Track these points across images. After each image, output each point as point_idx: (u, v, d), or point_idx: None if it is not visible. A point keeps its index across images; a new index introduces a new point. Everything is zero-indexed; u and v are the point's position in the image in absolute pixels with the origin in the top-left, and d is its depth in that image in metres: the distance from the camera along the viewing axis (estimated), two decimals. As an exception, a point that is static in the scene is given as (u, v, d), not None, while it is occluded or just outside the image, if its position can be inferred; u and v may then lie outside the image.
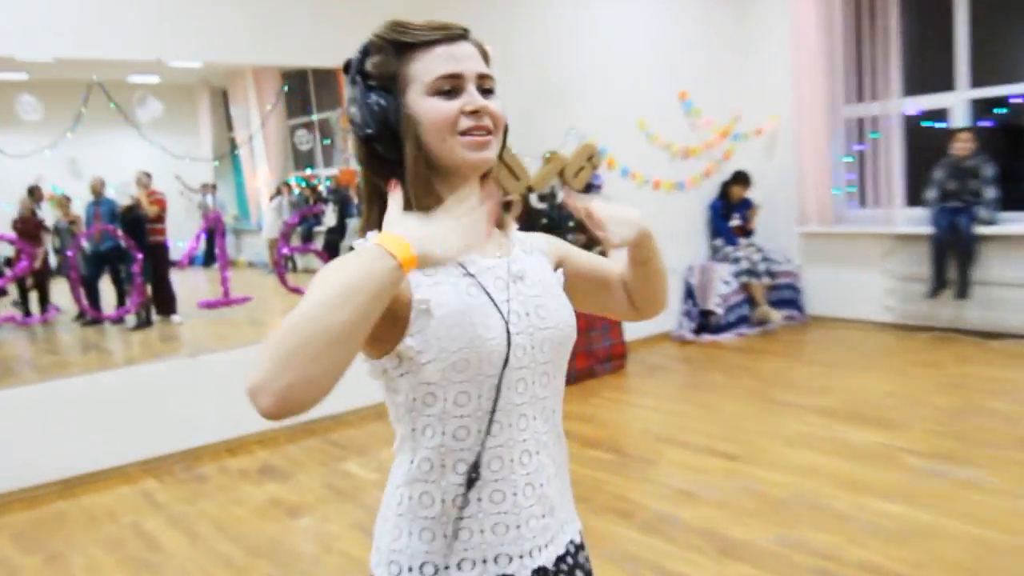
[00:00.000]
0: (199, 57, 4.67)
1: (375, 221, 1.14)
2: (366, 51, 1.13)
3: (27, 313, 4.95)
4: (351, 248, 1.04)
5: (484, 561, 1.10)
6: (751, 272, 6.69)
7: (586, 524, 3.32)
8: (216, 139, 5.78)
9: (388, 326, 1.04)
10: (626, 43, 6.36)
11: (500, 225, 1.22)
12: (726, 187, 6.96)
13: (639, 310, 1.36)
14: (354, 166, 5.63)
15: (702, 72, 6.83)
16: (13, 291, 5.01)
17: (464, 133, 1.11)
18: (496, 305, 1.10)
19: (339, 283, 0.88)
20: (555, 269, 1.27)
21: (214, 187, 5.60)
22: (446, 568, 1.10)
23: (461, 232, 0.97)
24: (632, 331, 6.28)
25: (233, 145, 5.84)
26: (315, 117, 5.74)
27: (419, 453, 1.11)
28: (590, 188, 6.15)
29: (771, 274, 6.78)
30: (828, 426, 4.36)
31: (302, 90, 5.81)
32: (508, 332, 1.09)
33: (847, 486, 3.56)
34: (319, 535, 3.48)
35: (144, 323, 5.18)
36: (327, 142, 5.81)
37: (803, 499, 3.46)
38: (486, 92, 1.14)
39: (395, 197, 1.02)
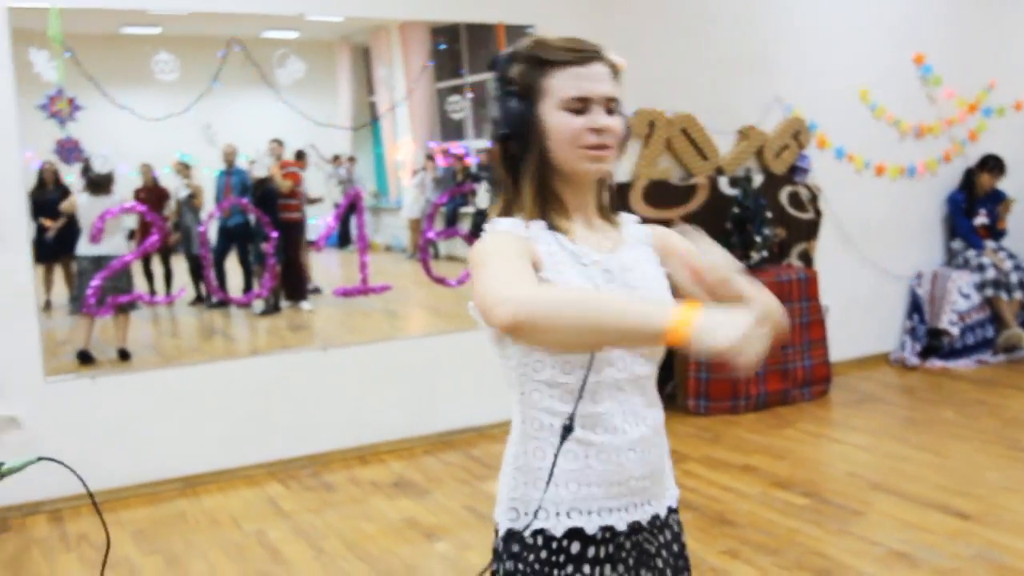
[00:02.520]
0: (340, 11, 4.96)
1: (503, 210, 1.56)
2: (510, 58, 1.54)
3: (152, 292, 5.44)
4: (477, 230, 1.47)
5: (589, 512, 1.50)
6: (999, 284, 6.40)
7: (775, 579, 3.32)
8: (356, 104, 6.10)
9: None
10: (849, -6, 6.23)
11: (609, 219, 1.63)
12: (971, 175, 6.69)
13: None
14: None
15: (945, 30, 6.58)
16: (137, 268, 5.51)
17: (586, 147, 1.50)
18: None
19: (627, 305, 1.27)
20: (660, 260, 1.62)
21: (352, 159, 5.93)
22: (556, 515, 1.49)
23: (746, 338, 1.19)
24: (840, 350, 6.16)
25: (374, 111, 6.15)
26: (468, 80, 5.96)
27: (529, 414, 1.52)
28: (795, 172, 6.07)
29: (1026, 288, 6.46)
30: (1094, 486, 4.15)
31: (452, 49, 6.04)
32: None
33: (1117, 563, 3.39)
34: (457, 564, 3.67)
35: (272, 309, 5.56)
36: (482, 111, 6.02)
37: (1056, 575, 3.33)
38: (611, 112, 1.52)
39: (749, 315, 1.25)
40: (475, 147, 6.23)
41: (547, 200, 1.53)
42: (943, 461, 4.58)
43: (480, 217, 6.13)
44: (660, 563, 1.59)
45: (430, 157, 6.20)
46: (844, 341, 6.22)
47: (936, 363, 6.42)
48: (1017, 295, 6.42)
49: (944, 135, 6.73)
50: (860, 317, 6.47)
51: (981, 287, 6.43)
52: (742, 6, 5.88)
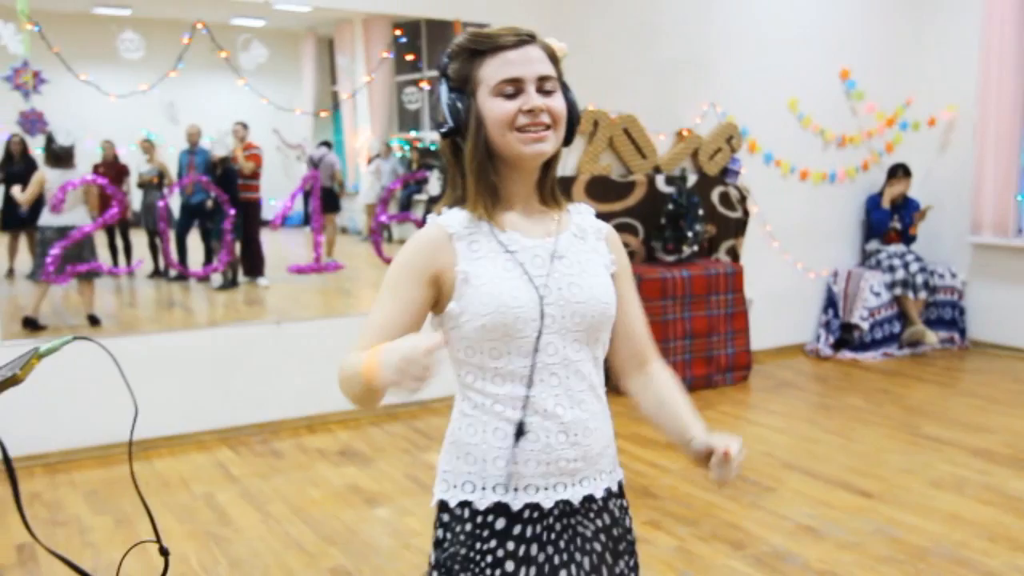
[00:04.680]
0: (308, 1, 4.86)
1: (450, 201, 1.50)
2: (450, 55, 1.47)
3: (115, 263, 5.28)
4: (424, 219, 1.53)
5: (516, 489, 1.45)
6: (907, 284, 6.48)
7: (692, 550, 3.33)
8: (318, 92, 5.99)
9: (444, 292, 1.44)
10: (780, 11, 6.24)
11: (555, 204, 1.54)
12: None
13: (621, 383, 1.68)
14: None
15: (869, 48, 6.63)
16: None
17: (521, 129, 1.42)
18: (531, 279, 1.44)
19: (355, 373, 1.33)
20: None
21: (328, 144, 5.83)
22: (482, 488, 1.46)
23: (407, 374, 1.25)
24: (760, 340, 6.20)
25: (335, 100, 6.04)
26: (426, 74, 5.87)
27: (465, 393, 1.50)
28: (727, 173, 6.08)
29: (930, 288, 6.54)
30: (984, 470, 4.21)
31: (413, 44, 5.95)
32: (541, 303, 1.42)
33: (1002, 541, 3.44)
34: (397, 528, 3.61)
35: (229, 284, 5.44)
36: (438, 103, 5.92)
37: (947, 551, 3.37)
38: (547, 92, 1.44)
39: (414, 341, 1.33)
40: (429, 137, 6.16)
41: (488, 189, 1.46)
42: (850, 444, 4.63)
43: (432, 205, 6.06)
44: (598, 547, 1.51)
45: (388, 145, 6.11)
46: (764, 332, 6.27)
47: (847, 355, 6.49)
48: (922, 295, 6.51)
49: (863, 145, 6.79)
50: (780, 310, 6.52)
51: (891, 286, 6.50)
52: (684, 18, 5.86)
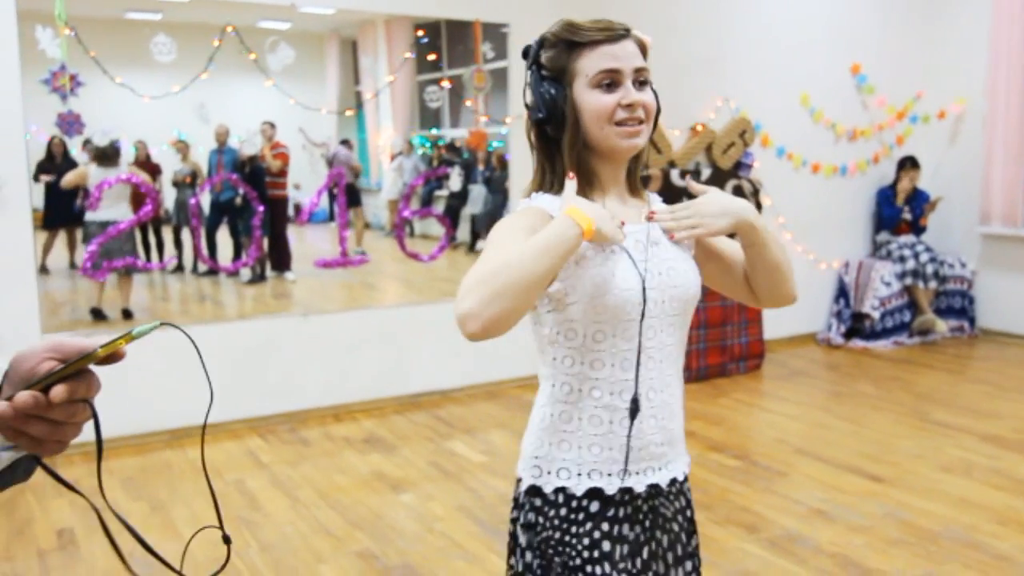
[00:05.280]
0: (331, 4, 4.89)
1: (539, 186, 1.49)
2: (541, 44, 1.46)
3: (147, 259, 5.34)
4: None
5: (609, 474, 1.45)
6: (917, 274, 6.43)
7: (706, 533, 3.34)
8: (342, 92, 6.02)
9: None
10: (792, 7, 6.20)
11: (640, 195, 1.55)
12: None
13: (759, 299, 1.59)
14: (483, 128, 5.75)
15: (879, 43, 6.58)
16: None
17: (619, 123, 1.41)
18: (635, 263, 1.42)
19: (540, 240, 1.26)
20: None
21: (347, 142, 5.86)
22: (578, 475, 1.45)
23: (615, 225, 1.36)
24: (773, 329, 6.18)
25: (359, 99, 6.06)
26: (447, 73, 5.88)
27: (559, 378, 1.46)
28: (740, 167, 6.06)
29: (940, 278, 6.50)
30: (993, 455, 4.18)
31: (434, 44, 5.96)
32: (644, 286, 1.41)
33: (1011, 524, 3.42)
34: (421, 513, 3.64)
35: (258, 278, 5.49)
36: (460, 99, 5.94)
37: (957, 534, 3.35)
38: (642, 84, 1.45)
39: (571, 184, 1.40)
40: (449, 135, 6.17)
41: (584, 177, 1.46)
42: (861, 430, 4.61)
43: (454, 200, 6.08)
44: (676, 527, 1.53)
45: (410, 143, 6.13)
46: (777, 321, 6.24)
47: (858, 343, 6.46)
48: (932, 284, 6.47)
49: (874, 139, 6.74)
50: (793, 300, 6.48)
51: (901, 276, 6.46)
52: (698, 14, 5.84)
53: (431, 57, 5.68)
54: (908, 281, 6.45)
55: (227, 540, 0.96)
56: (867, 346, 6.41)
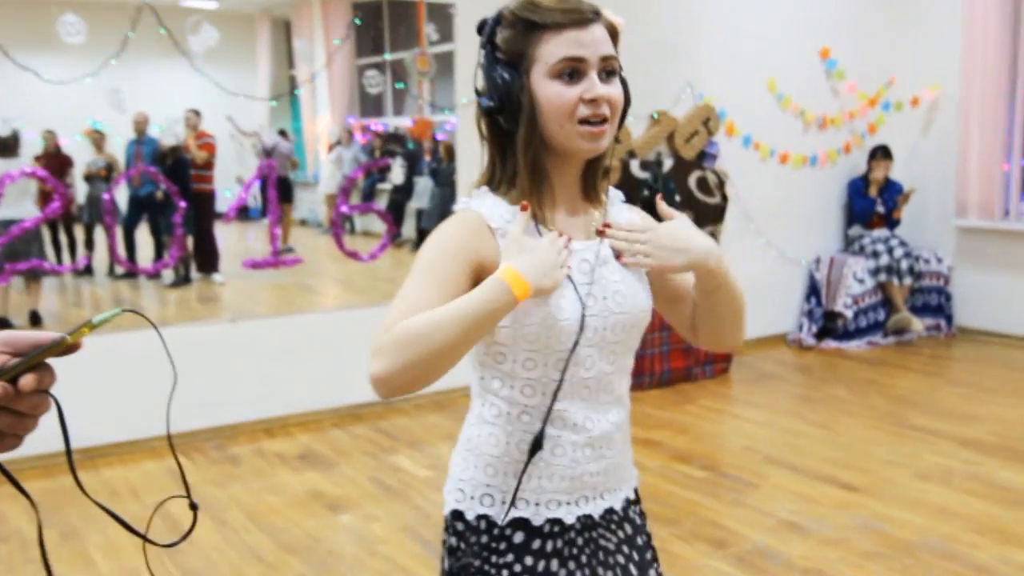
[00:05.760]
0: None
1: (488, 180, 1.43)
2: (498, 21, 1.37)
3: (57, 261, 5.18)
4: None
5: (537, 504, 1.42)
6: (891, 270, 6.51)
7: (671, 550, 3.31)
8: (275, 77, 5.92)
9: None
10: (759, -14, 6.24)
11: (596, 201, 1.48)
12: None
13: (699, 340, 1.58)
14: (428, 116, 5.69)
15: (850, 26, 6.65)
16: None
17: (582, 121, 1.33)
18: (575, 288, 1.37)
19: (467, 308, 1.23)
20: None
21: (284, 133, 5.76)
22: (503, 502, 1.42)
23: (558, 268, 1.31)
24: (741, 330, 6.20)
25: (293, 84, 5.96)
26: (388, 57, 5.81)
27: (488, 399, 1.44)
28: (704, 157, 6.07)
29: (915, 274, 6.58)
30: (972, 460, 4.23)
31: (375, 26, 5.89)
32: (583, 315, 1.36)
33: (991, 534, 3.45)
34: (362, 536, 3.57)
35: (182, 280, 5.36)
36: (400, 86, 5.87)
37: (935, 545, 3.38)
38: (609, 74, 1.36)
39: (522, 217, 1.34)
40: (392, 123, 6.10)
41: (536, 178, 1.38)
42: (834, 436, 4.64)
43: (398, 195, 6.01)
44: (622, 559, 1.49)
45: (348, 132, 6.05)
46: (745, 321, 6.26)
47: (831, 344, 6.52)
48: (907, 281, 6.55)
49: (845, 127, 6.81)
50: (761, 299, 6.48)
51: (875, 272, 6.54)
52: (656, -7, 5.84)
53: (371, 39, 5.61)
54: (882, 277, 6.53)
55: (194, 507, 1.03)
56: (840, 347, 6.47)
